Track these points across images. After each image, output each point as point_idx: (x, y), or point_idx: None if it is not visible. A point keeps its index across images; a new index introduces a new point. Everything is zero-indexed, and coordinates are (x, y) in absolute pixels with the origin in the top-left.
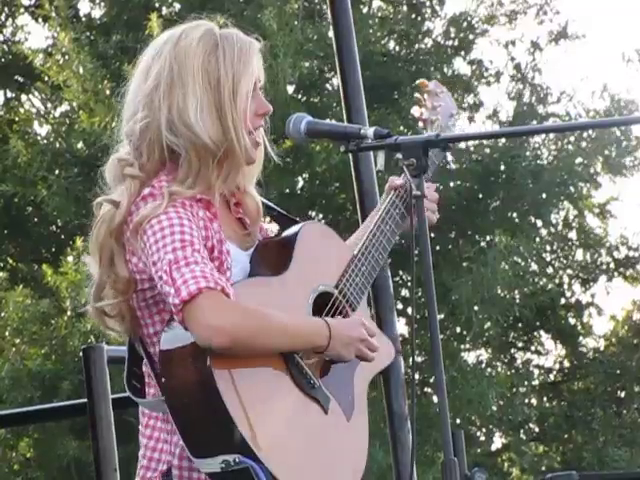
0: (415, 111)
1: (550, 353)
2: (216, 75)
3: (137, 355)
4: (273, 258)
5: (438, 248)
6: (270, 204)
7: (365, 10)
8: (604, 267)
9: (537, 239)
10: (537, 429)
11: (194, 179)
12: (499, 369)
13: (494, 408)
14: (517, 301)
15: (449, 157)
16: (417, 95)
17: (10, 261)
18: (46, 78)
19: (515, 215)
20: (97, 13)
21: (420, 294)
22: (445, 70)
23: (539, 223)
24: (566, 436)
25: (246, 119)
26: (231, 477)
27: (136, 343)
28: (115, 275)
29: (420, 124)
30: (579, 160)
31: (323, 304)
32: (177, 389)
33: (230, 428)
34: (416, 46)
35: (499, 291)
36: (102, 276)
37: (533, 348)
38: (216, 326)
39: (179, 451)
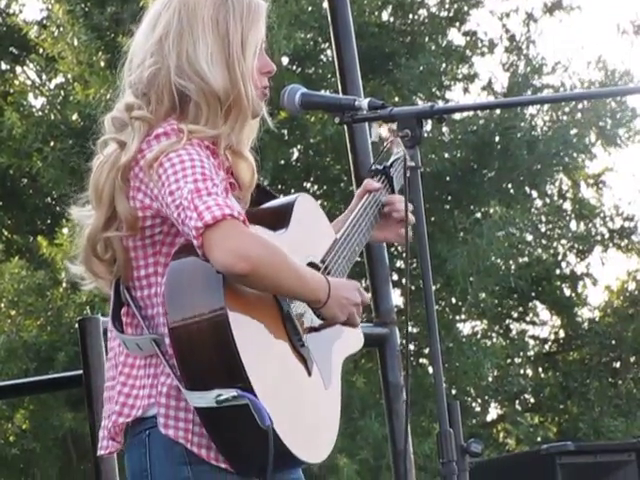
0: (383, 130)
1: (545, 324)
2: (225, 26)
3: (120, 298)
4: (267, 223)
5: (433, 219)
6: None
7: None
8: (599, 238)
9: (532, 210)
10: (533, 400)
11: (204, 124)
12: (494, 340)
13: (489, 379)
14: (512, 272)
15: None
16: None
17: (5, 233)
18: (41, 50)
19: (510, 186)
20: None
21: (415, 265)
22: (440, 41)
23: (534, 194)
24: (562, 407)
25: (253, 73)
26: (226, 413)
27: (122, 287)
28: (121, 211)
29: (385, 143)
30: (574, 131)
31: None
32: (182, 312)
33: (233, 362)
34: (411, 17)
35: (494, 262)
36: (101, 217)
37: (528, 319)
38: (240, 252)
39: (166, 390)
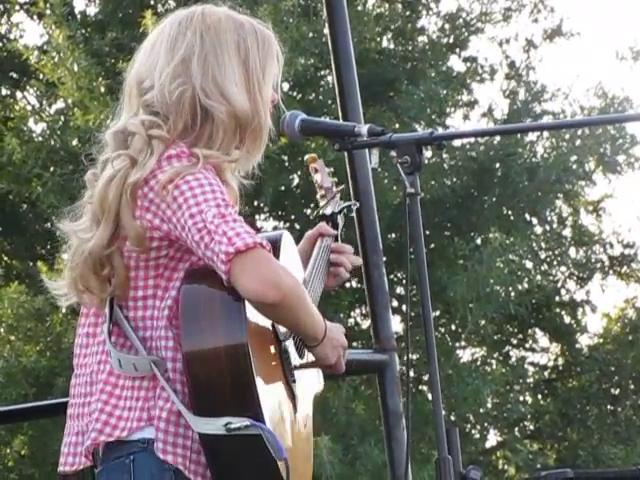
0: (318, 178)
1: (545, 351)
2: (245, 52)
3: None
4: None
5: (433, 246)
6: None
7: (360, 7)
8: (598, 265)
9: (532, 236)
10: (532, 427)
11: (218, 148)
12: (494, 366)
13: (489, 405)
14: (512, 298)
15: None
16: (313, 166)
17: (5, 258)
18: (41, 75)
19: (510, 212)
20: (92, 10)
21: (415, 292)
22: (440, 67)
23: (534, 220)
24: (561, 434)
25: (269, 101)
26: (234, 442)
27: (115, 306)
28: (129, 228)
29: (322, 192)
30: (574, 158)
31: None
32: (200, 338)
33: (249, 391)
34: (411, 43)
35: (494, 288)
36: (107, 232)
37: (528, 345)
38: (273, 281)
39: (165, 415)
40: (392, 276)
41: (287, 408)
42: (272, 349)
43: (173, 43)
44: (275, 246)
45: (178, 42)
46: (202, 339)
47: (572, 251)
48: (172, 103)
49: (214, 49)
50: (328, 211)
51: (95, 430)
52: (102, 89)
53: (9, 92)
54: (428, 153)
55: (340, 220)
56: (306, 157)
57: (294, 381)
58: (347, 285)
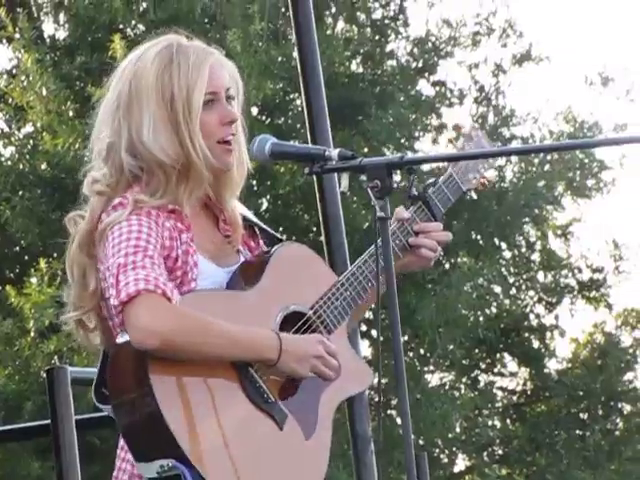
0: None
1: (514, 375)
2: (169, 90)
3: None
4: (250, 275)
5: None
6: (260, 224)
7: (329, 31)
8: (567, 289)
9: (501, 261)
10: (500, 451)
11: (162, 192)
12: (462, 391)
13: (457, 430)
14: (481, 323)
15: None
16: (452, 136)
17: None
18: (10, 99)
19: (479, 237)
20: (61, 34)
21: (384, 316)
22: (409, 92)
23: (503, 245)
24: (530, 458)
25: (204, 129)
26: None
27: (109, 353)
28: (84, 288)
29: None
30: (542, 182)
31: (295, 323)
32: (120, 391)
33: (165, 433)
34: (380, 67)
35: (463, 313)
36: (76, 293)
37: (496, 370)
38: (148, 328)
39: (130, 466)
40: None
41: (250, 432)
42: (230, 378)
43: (111, 92)
44: (262, 263)
45: (113, 91)
46: (119, 391)
47: (540, 275)
48: (106, 157)
49: (137, 97)
50: (414, 192)
51: None
52: (71, 113)
53: None
54: (397, 177)
55: (437, 196)
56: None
57: (267, 402)
58: None
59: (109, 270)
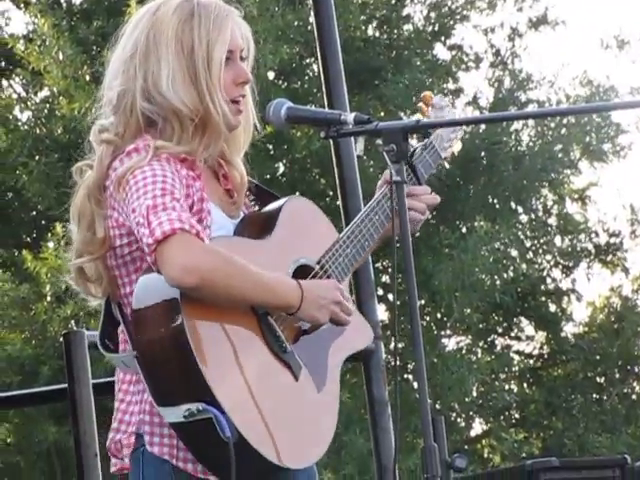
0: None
1: (531, 339)
2: (190, 43)
3: (112, 317)
4: (257, 228)
5: (418, 234)
6: (255, 182)
7: None
8: (584, 253)
9: (517, 225)
10: (517, 415)
11: (178, 140)
12: (479, 355)
13: (474, 394)
14: (497, 287)
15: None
16: (421, 105)
17: None
18: (27, 64)
19: (496, 201)
20: None
21: (401, 280)
22: (425, 56)
23: (520, 209)
24: (546, 422)
25: (221, 86)
26: (193, 427)
27: (113, 305)
28: (92, 236)
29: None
30: (559, 146)
31: (303, 276)
32: (149, 339)
33: (197, 377)
34: (396, 32)
35: (479, 277)
36: (82, 240)
37: (513, 334)
38: (187, 265)
39: (149, 407)
40: (378, 264)
41: (270, 380)
42: (249, 324)
43: (125, 41)
44: (272, 216)
45: (128, 40)
46: (146, 329)
47: (557, 240)
48: (117, 104)
49: (156, 46)
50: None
51: (113, 430)
52: (87, 78)
53: None
54: (414, 141)
55: (421, 160)
56: (423, 94)
57: (284, 351)
58: None
59: (134, 212)
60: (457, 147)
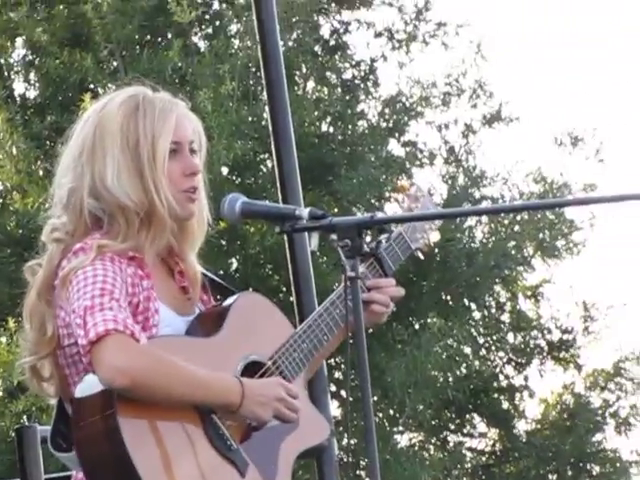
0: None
1: (483, 436)
2: (135, 136)
3: (65, 415)
4: (208, 325)
5: (372, 330)
6: (214, 277)
7: (300, 92)
8: (537, 350)
9: (470, 322)
10: None
11: (124, 237)
12: (432, 452)
13: None
14: (450, 384)
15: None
16: (396, 196)
17: None
18: None
19: (449, 298)
20: (31, 94)
21: (353, 376)
22: (379, 152)
23: (473, 306)
24: None
25: (167, 178)
26: None
27: (65, 403)
28: (42, 335)
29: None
30: (512, 243)
31: (254, 373)
32: (85, 438)
33: (133, 477)
34: (350, 128)
35: (432, 374)
36: (34, 341)
37: (466, 431)
38: (118, 367)
39: None
40: (331, 360)
41: (215, 477)
42: (193, 423)
43: (75, 140)
44: (223, 313)
45: (78, 138)
46: (84, 420)
47: (510, 336)
48: (67, 203)
49: (102, 142)
50: (366, 248)
51: None
52: (41, 172)
53: None
54: (367, 238)
55: (389, 252)
56: (399, 184)
57: (229, 449)
58: None
59: (74, 313)
60: (434, 238)
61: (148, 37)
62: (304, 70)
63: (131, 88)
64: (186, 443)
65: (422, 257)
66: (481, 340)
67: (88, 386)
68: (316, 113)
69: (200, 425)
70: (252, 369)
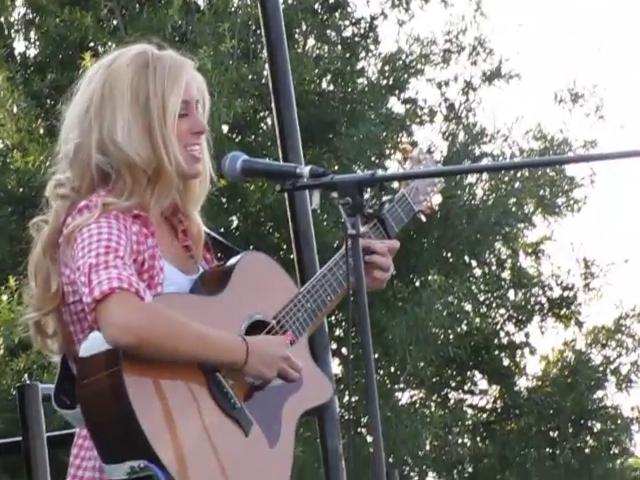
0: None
1: (484, 393)
2: (145, 94)
3: (69, 372)
4: (213, 284)
5: None
6: (216, 236)
7: (300, 49)
8: (537, 307)
9: (471, 279)
10: (471, 469)
11: (129, 194)
12: (433, 409)
13: (428, 448)
14: (451, 341)
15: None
16: (399, 158)
17: None
18: None
19: (450, 255)
20: (32, 52)
21: (354, 334)
22: (379, 109)
23: (473, 263)
24: (500, 477)
25: (176, 136)
26: None
27: (69, 360)
28: (47, 292)
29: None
30: (513, 200)
31: (259, 332)
32: (90, 395)
33: (138, 433)
34: (350, 85)
35: (433, 331)
36: (38, 296)
37: (467, 388)
38: (123, 324)
39: (99, 464)
40: (332, 318)
41: (217, 437)
42: (197, 381)
43: (81, 93)
44: (227, 272)
45: (84, 92)
46: (90, 388)
47: (511, 293)
48: (73, 158)
49: (111, 98)
50: (371, 209)
51: None
52: (41, 131)
53: None
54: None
55: (392, 214)
56: (402, 146)
57: (234, 407)
58: None
59: (79, 270)
60: (436, 200)
61: None
62: (304, 28)
63: (139, 45)
64: (190, 401)
65: (424, 219)
66: (482, 297)
67: (92, 344)
68: (316, 71)
69: (204, 384)
70: (256, 328)
